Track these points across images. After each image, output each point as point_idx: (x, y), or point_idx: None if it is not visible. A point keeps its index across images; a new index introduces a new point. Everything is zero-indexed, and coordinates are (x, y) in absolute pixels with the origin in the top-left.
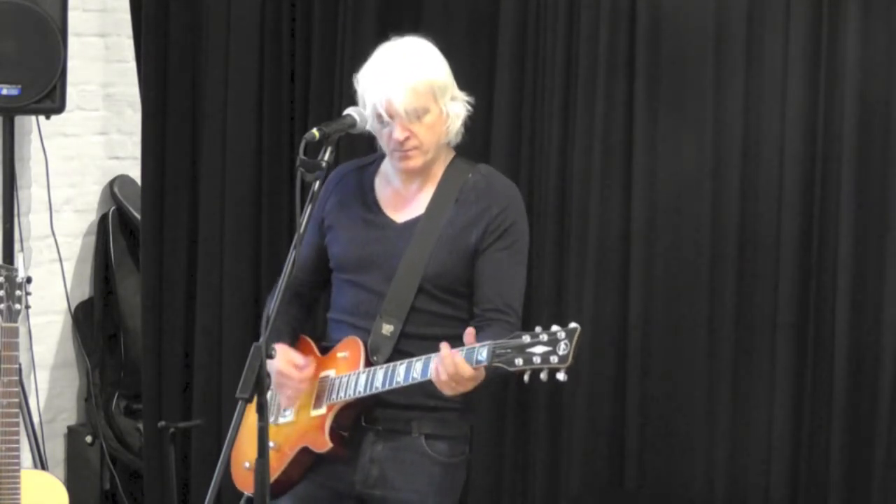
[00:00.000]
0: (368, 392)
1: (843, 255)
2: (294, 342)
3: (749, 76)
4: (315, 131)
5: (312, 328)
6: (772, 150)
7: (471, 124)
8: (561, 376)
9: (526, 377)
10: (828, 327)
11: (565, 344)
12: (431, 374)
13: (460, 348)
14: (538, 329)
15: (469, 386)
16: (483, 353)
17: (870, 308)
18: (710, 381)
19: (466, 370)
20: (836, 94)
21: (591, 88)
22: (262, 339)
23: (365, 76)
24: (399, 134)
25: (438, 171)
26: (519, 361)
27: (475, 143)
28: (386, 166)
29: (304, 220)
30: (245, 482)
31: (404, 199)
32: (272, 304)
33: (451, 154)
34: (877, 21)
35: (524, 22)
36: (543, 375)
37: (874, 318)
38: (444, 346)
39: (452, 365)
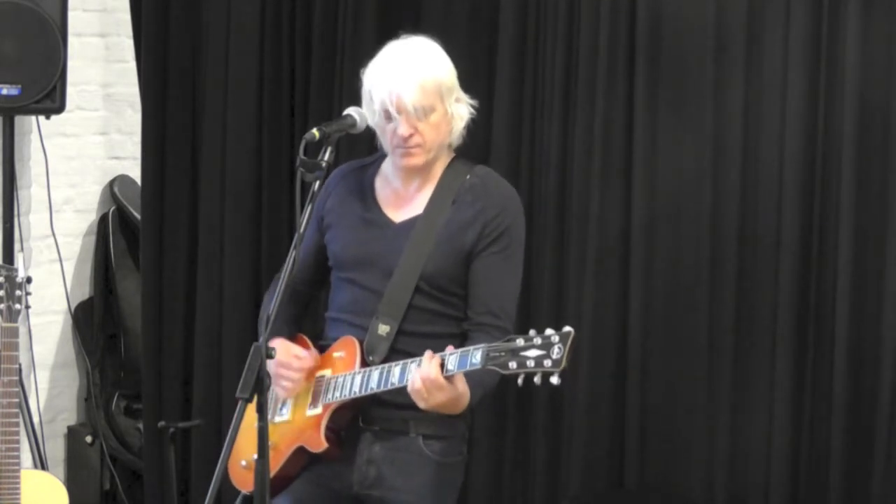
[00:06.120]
0: (364, 392)
1: (843, 255)
2: (292, 340)
3: (749, 76)
4: (315, 131)
5: (311, 327)
6: (772, 150)
7: (471, 124)
8: (554, 380)
9: (520, 381)
10: (828, 327)
11: (559, 348)
12: (407, 383)
13: (453, 351)
14: (532, 332)
15: (439, 398)
16: (477, 356)
17: (870, 308)
18: (710, 382)
19: (440, 379)
20: (836, 94)
21: (591, 88)
22: (261, 339)
23: (373, 72)
24: (404, 130)
25: (437, 172)
26: (513, 365)
27: (475, 143)
28: (386, 166)
29: (304, 220)
30: (241, 480)
31: (403, 199)
32: (272, 304)
33: (451, 155)
34: (877, 21)
35: (524, 22)
36: (537, 379)
37: (874, 318)
38: (428, 353)
39: (428, 371)
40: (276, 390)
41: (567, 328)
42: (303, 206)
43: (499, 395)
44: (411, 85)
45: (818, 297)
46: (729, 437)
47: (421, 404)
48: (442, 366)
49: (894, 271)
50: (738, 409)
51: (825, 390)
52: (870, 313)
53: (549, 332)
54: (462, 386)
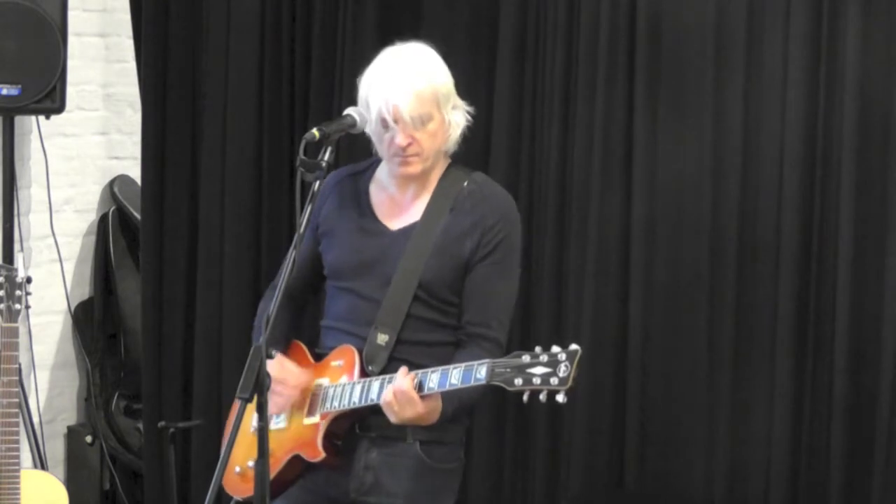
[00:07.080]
0: (363, 403)
1: (843, 255)
2: (287, 347)
3: (749, 76)
4: (315, 131)
5: (308, 332)
6: (772, 151)
7: (471, 125)
8: (560, 398)
9: (525, 397)
10: (828, 327)
11: (566, 366)
12: (382, 396)
13: (456, 365)
14: (538, 349)
15: (409, 413)
16: (482, 372)
17: (870, 308)
18: (710, 382)
19: (412, 393)
20: (836, 94)
21: (591, 88)
22: (261, 339)
23: (369, 80)
24: (402, 140)
25: (434, 179)
26: (518, 381)
27: (475, 144)
28: (381, 173)
29: (303, 220)
30: (235, 487)
31: (399, 206)
32: (272, 305)
33: (447, 162)
34: (877, 21)
35: (524, 23)
36: (542, 396)
37: (874, 317)
38: (402, 370)
39: (401, 384)
40: (269, 404)
41: (574, 346)
42: (303, 206)
43: (499, 396)
44: (408, 94)
45: (818, 296)
46: (729, 438)
47: (392, 418)
48: (421, 386)
49: (894, 271)
50: (738, 409)
51: (825, 390)
52: (870, 313)
53: (555, 349)
54: (434, 401)
